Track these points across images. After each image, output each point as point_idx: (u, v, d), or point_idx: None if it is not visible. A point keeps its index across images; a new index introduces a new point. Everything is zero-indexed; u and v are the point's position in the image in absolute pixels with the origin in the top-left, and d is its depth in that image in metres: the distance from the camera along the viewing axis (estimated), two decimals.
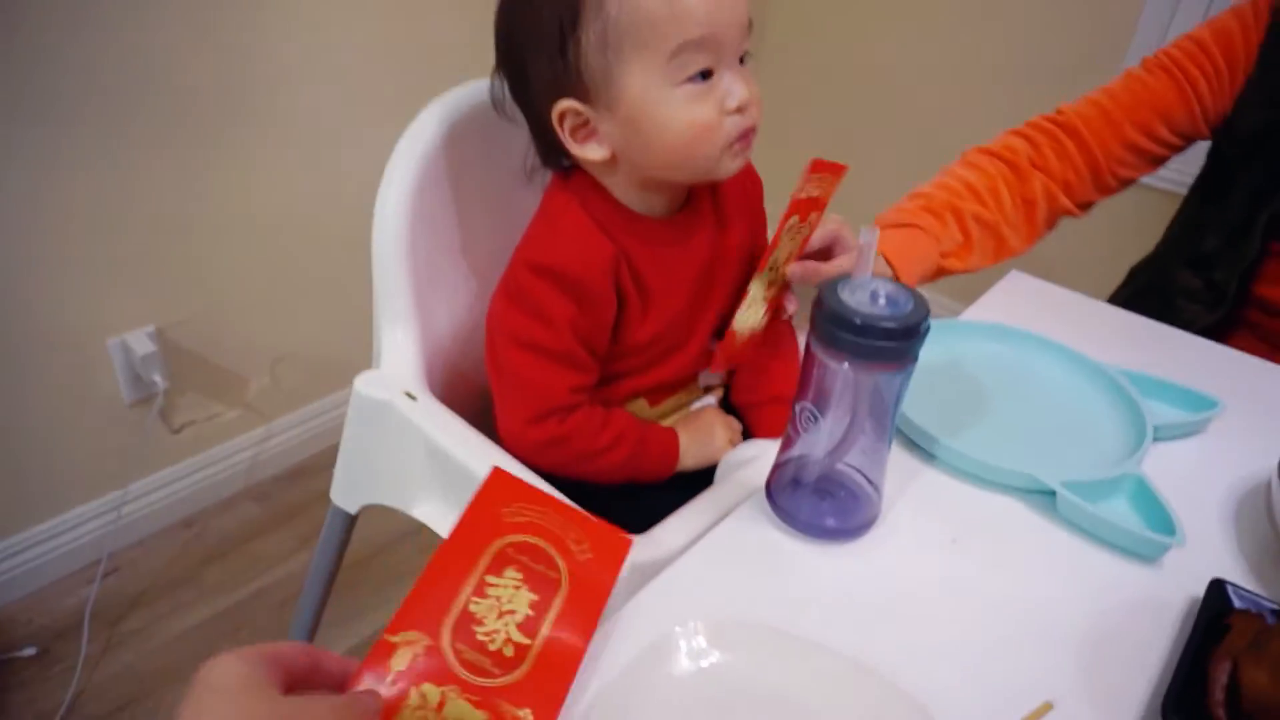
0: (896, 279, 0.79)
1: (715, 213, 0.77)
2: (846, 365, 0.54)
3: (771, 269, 0.71)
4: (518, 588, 0.48)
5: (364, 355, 1.74)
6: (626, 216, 0.72)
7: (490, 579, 0.48)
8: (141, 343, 1.40)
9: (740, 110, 0.66)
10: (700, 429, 0.79)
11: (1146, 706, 0.50)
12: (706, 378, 0.83)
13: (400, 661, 0.44)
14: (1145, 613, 0.56)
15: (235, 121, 1.39)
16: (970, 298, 0.90)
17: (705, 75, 0.64)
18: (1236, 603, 0.55)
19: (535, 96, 0.68)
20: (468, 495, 0.70)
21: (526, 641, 0.46)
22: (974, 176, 0.91)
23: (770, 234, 0.69)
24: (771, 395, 0.84)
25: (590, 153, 0.68)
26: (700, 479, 0.76)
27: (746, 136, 0.67)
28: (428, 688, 0.43)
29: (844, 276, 0.55)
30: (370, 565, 1.53)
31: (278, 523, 1.62)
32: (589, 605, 0.49)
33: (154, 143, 1.31)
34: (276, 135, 1.45)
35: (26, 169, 1.20)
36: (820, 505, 0.61)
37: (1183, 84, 0.91)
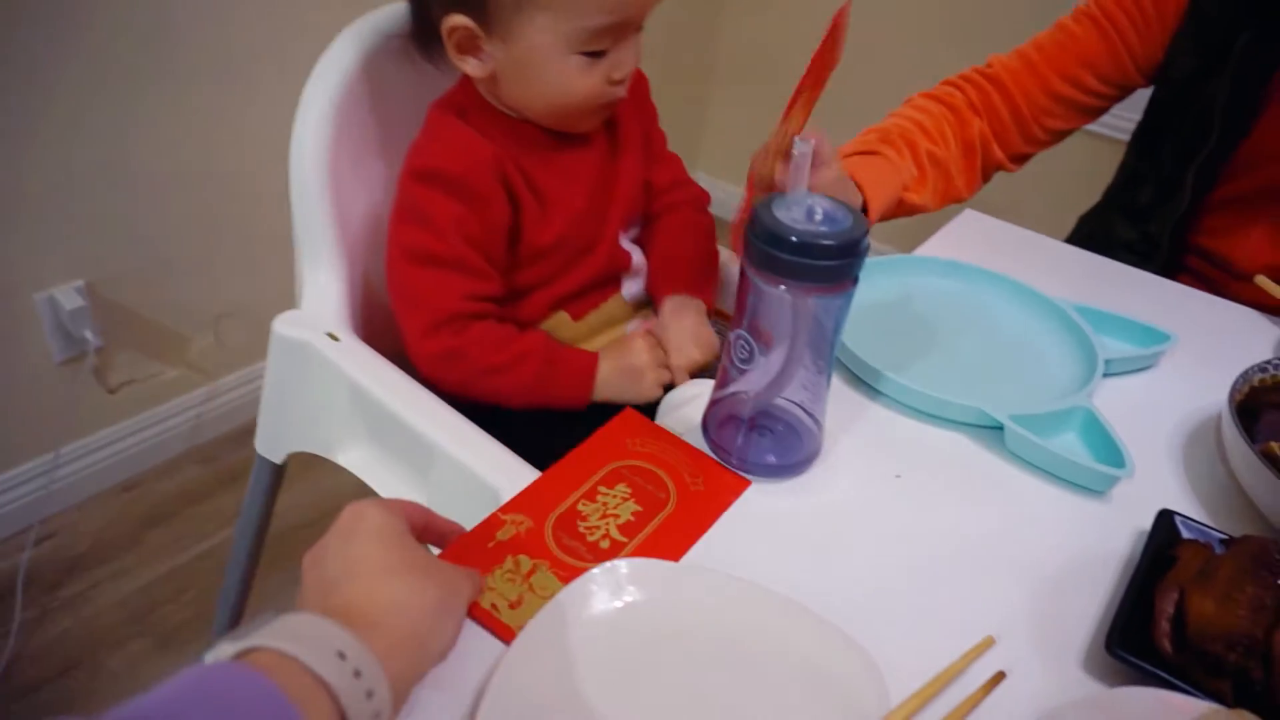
0: (867, 206, 0.77)
1: (607, 131, 0.78)
2: (783, 288, 0.50)
3: (783, 133, 0.65)
4: (625, 499, 0.53)
5: None
6: (509, 123, 0.72)
7: (602, 488, 0.54)
8: (70, 298, 1.33)
9: (619, 81, 0.69)
10: (623, 353, 0.75)
11: (1093, 640, 0.48)
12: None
13: (504, 534, 0.51)
14: (1093, 546, 0.54)
15: (165, 65, 1.31)
16: (922, 232, 0.87)
17: (599, 52, 0.67)
18: (1185, 533, 0.54)
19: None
20: (393, 438, 0.66)
21: (623, 540, 0.51)
22: (922, 117, 0.90)
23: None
24: (671, 264, 0.82)
25: (469, 68, 0.69)
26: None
27: (614, 104, 0.72)
28: (522, 558, 0.49)
29: (778, 195, 0.51)
30: (301, 535, 1.49)
31: (223, 484, 1.58)
32: (690, 527, 0.52)
33: (79, 89, 1.24)
34: (209, 80, 1.37)
35: None
36: (760, 441, 0.58)
37: (1109, 33, 0.89)
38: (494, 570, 0.48)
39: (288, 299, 1.61)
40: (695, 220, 0.85)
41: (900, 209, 0.85)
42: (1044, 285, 0.76)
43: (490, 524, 0.51)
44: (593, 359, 0.74)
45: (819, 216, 0.50)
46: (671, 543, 0.51)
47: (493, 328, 0.71)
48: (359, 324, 0.74)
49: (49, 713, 1.20)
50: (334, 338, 0.69)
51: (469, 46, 0.68)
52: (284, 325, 0.70)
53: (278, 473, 0.82)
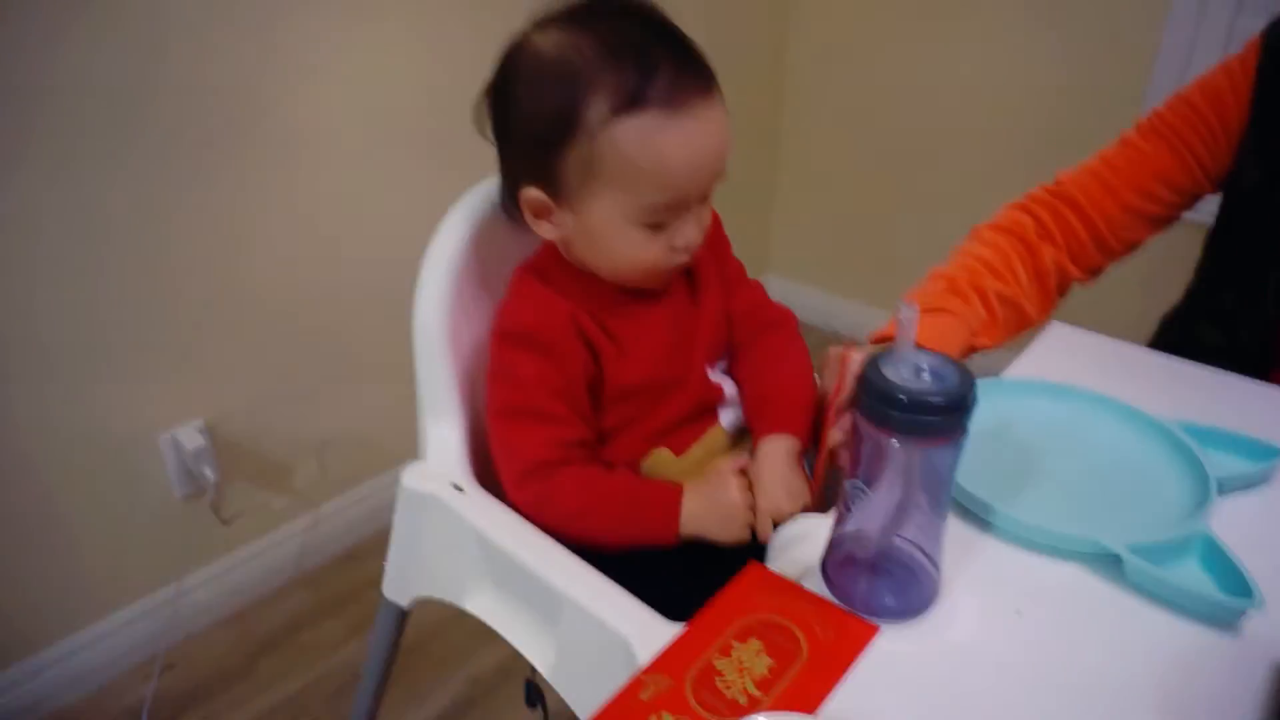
0: None
1: (685, 277, 0.82)
2: (895, 442, 0.53)
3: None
4: (759, 653, 0.55)
5: (409, 436, 1.76)
6: (585, 280, 0.77)
7: (735, 643, 0.56)
8: (192, 437, 1.43)
9: (684, 249, 0.74)
10: (714, 489, 0.75)
11: None
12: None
13: (646, 694, 0.53)
14: (1225, 682, 0.54)
15: (270, 205, 1.43)
16: (1006, 346, 0.89)
17: (663, 223, 0.72)
18: None
19: (510, 167, 0.76)
20: (520, 586, 0.70)
21: (759, 695, 0.52)
22: (989, 253, 0.92)
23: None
24: (762, 401, 0.83)
25: (544, 232, 0.75)
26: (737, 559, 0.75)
27: (678, 267, 0.76)
28: (665, 714, 0.52)
29: (886, 351, 0.54)
30: (423, 650, 1.52)
31: (328, 611, 1.63)
32: (824, 677, 0.54)
33: (192, 236, 1.35)
34: (318, 219, 1.49)
35: (76, 271, 1.24)
36: (878, 583, 0.60)
37: (1178, 146, 0.92)
38: None
39: (383, 424, 1.70)
40: (783, 348, 0.87)
41: (971, 353, 0.87)
42: (1143, 400, 0.76)
43: (634, 685, 0.53)
44: (677, 491, 0.75)
45: (926, 374, 0.53)
46: (807, 694, 0.52)
47: (579, 471, 0.74)
48: (480, 472, 0.78)
49: None
50: (459, 488, 0.74)
51: (543, 213, 0.74)
52: (411, 479, 0.75)
53: (404, 615, 0.85)
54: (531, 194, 0.73)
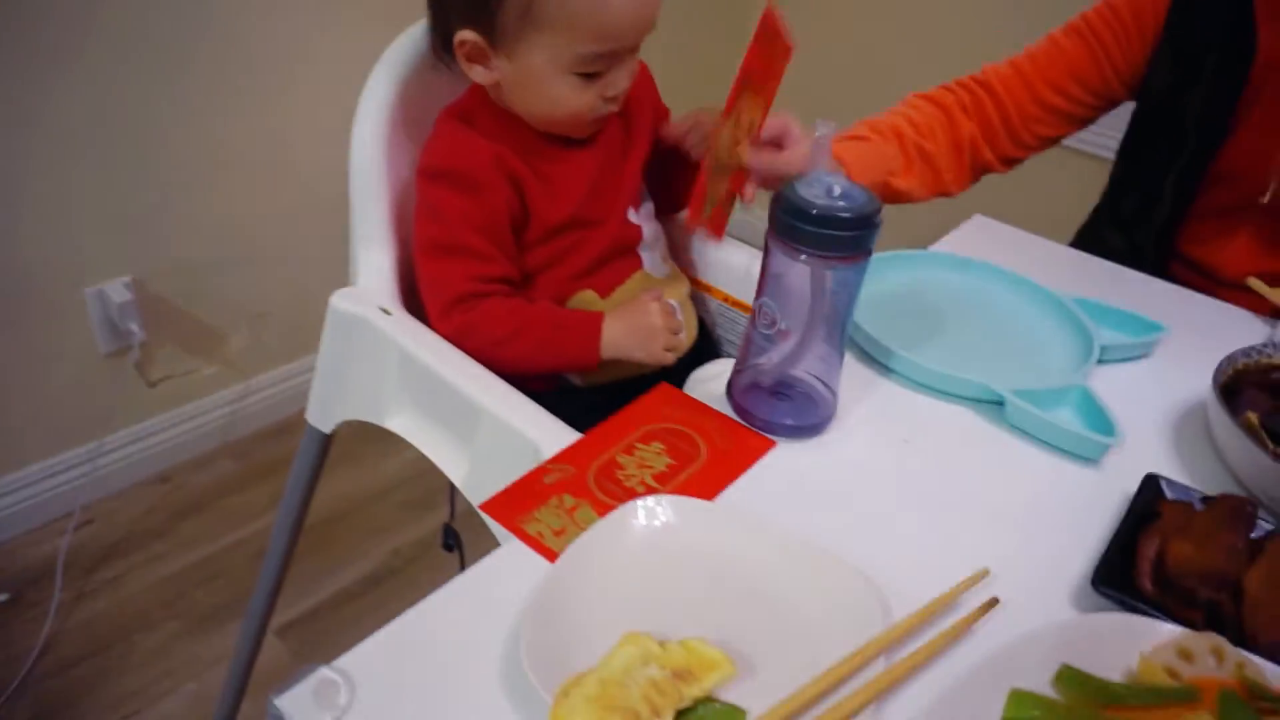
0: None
1: (620, 121, 0.83)
2: (804, 257, 0.56)
3: (735, 123, 0.72)
4: (660, 454, 0.59)
5: None
6: (513, 124, 0.78)
7: (639, 445, 0.60)
8: (119, 292, 1.41)
9: (613, 99, 0.75)
10: (634, 313, 0.77)
11: (1080, 580, 0.53)
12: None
13: (550, 479, 0.57)
14: (1084, 504, 0.59)
15: (217, 61, 1.39)
16: (931, 236, 0.93)
17: (597, 73, 0.73)
18: (1168, 494, 0.58)
19: (444, 9, 0.75)
20: (439, 404, 0.72)
21: (657, 487, 0.56)
22: (914, 114, 0.96)
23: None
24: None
25: (477, 76, 0.76)
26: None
27: (607, 117, 0.78)
28: (566, 496, 0.55)
29: (801, 176, 0.57)
30: (347, 521, 1.54)
31: (254, 479, 1.63)
32: (719, 478, 0.58)
33: (127, 87, 1.32)
34: (261, 76, 1.45)
35: (9, 115, 1.20)
36: (779, 406, 0.64)
37: (1094, 46, 0.95)
38: (541, 506, 0.54)
39: (322, 302, 1.68)
40: None
41: (886, 192, 0.91)
42: (1046, 281, 0.81)
43: (538, 471, 0.57)
44: (598, 317, 0.78)
45: (838, 193, 0.55)
46: (702, 489, 0.56)
47: (500, 303, 0.76)
48: (408, 302, 0.80)
49: (84, 689, 1.25)
50: (386, 312, 0.75)
51: (477, 57, 0.74)
52: (340, 300, 0.76)
53: (326, 443, 0.87)
54: (466, 36, 0.73)
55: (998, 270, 0.82)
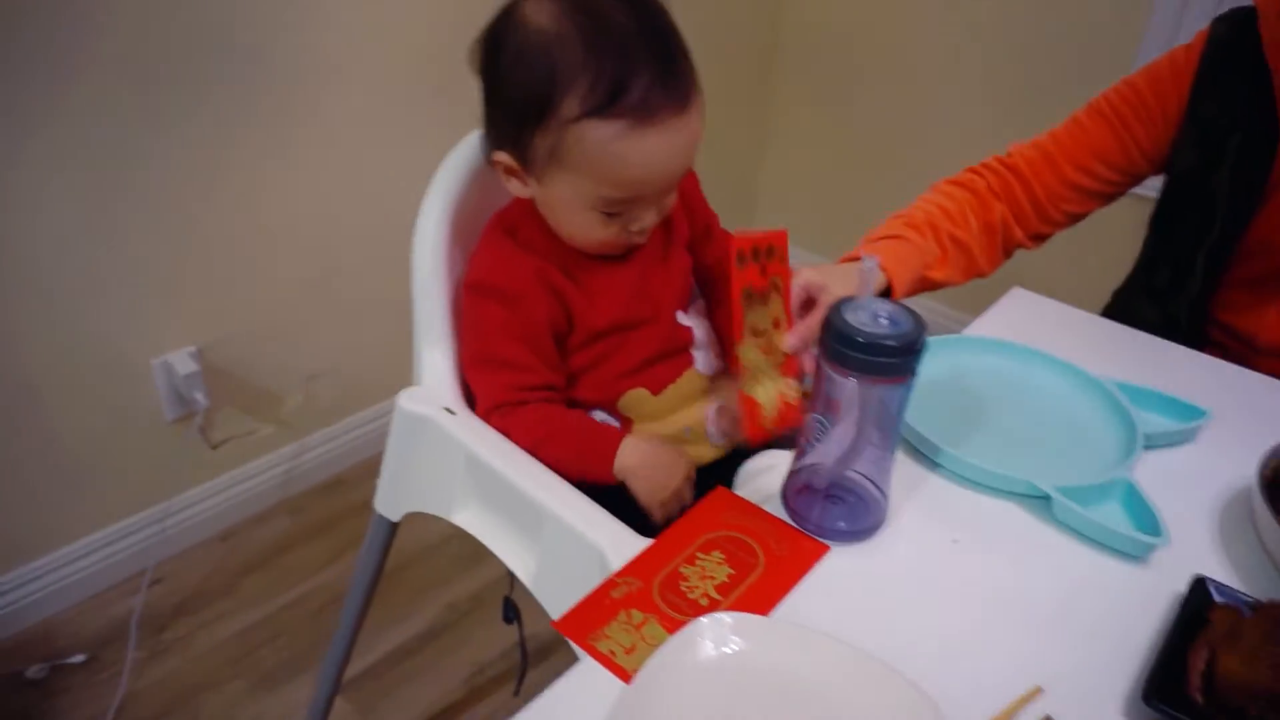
0: (890, 283, 0.86)
1: (659, 230, 0.85)
2: (853, 380, 0.59)
3: (755, 334, 0.73)
4: (721, 563, 0.62)
5: (394, 372, 1.81)
6: (556, 242, 0.81)
7: (700, 554, 0.63)
8: (184, 362, 1.47)
9: (640, 233, 0.77)
10: (661, 456, 0.78)
11: (1130, 692, 0.55)
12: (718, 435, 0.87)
13: (617, 593, 0.60)
14: (1132, 607, 0.61)
15: (276, 139, 1.45)
16: (971, 306, 0.95)
17: (620, 213, 0.75)
18: (1217, 597, 0.60)
19: (489, 120, 0.78)
20: (504, 501, 0.76)
21: (719, 598, 0.59)
22: (946, 202, 0.98)
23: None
24: None
25: (514, 189, 0.79)
26: (703, 489, 0.80)
27: (634, 245, 0.80)
28: (634, 611, 0.58)
29: (848, 300, 0.60)
30: (403, 575, 1.59)
31: (311, 535, 1.69)
32: (777, 586, 0.61)
33: (199, 166, 1.38)
34: (315, 154, 1.51)
35: (77, 197, 1.27)
36: (832, 509, 0.66)
37: (1117, 127, 0.97)
38: (610, 622, 0.57)
39: (370, 359, 1.74)
40: None
41: (924, 285, 0.94)
42: (1087, 361, 0.83)
43: (606, 585, 0.60)
44: (617, 438, 0.79)
45: (884, 320, 0.58)
46: (761, 600, 0.59)
47: (534, 410, 0.80)
48: (471, 400, 0.84)
49: None
50: (451, 412, 0.79)
51: (513, 174, 0.78)
52: (407, 401, 0.80)
53: (393, 530, 0.91)
54: (502, 158, 0.77)
55: (1039, 354, 0.84)
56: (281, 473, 1.72)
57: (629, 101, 0.68)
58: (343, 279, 1.65)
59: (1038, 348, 0.85)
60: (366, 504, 1.73)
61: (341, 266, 1.64)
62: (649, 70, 0.69)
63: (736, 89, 2.31)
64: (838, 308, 0.59)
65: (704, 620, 0.54)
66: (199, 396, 1.49)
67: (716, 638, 0.54)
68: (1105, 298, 1.15)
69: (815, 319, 0.75)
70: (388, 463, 0.86)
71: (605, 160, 0.70)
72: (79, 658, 1.42)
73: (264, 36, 1.37)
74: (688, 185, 0.87)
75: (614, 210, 0.75)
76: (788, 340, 0.74)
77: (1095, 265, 1.30)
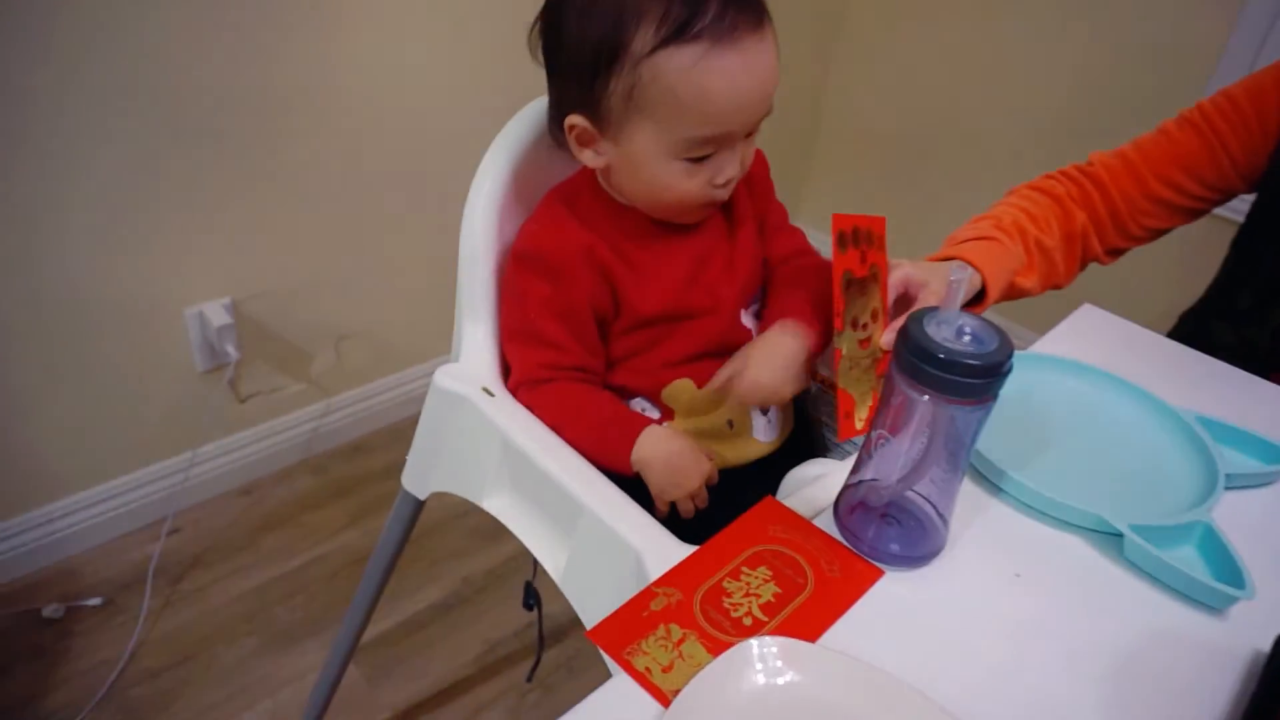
0: (985, 286, 0.83)
1: (722, 213, 0.82)
2: (927, 398, 0.55)
3: (853, 325, 0.71)
4: (767, 580, 0.58)
5: (424, 339, 1.79)
6: (616, 210, 0.78)
7: (745, 569, 0.59)
8: (218, 314, 1.45)
9: (723, 186, 0.73)
10: (689, 451, 0.74)
11: None
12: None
13: (656, 604, 0.56)
14: (1209, 663, 0.57)
15: (315, 92, 1.42)
16: (1034, 321, 0.90)
17: (703, 158, 0.71)
18: None
19: (557, 90, 0.75)
20: (538, 491, 0.72)
21: (764, 619, 0.55)
22: (1030, 206, 0.93)
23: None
24: (782, 303, 0.82)
25: (587, 159, 0.75)
26: (746, 488, 0.76)
27: (718, 201, 0.76)
28: (673, 626, 0.54)
29: (931, 309, 0.56)
30: (421, 544, 1.57)
31: (332, 496, 1.67)
32: (827, 611, 0.57)
33: (240, 127, 1.35)
34: (365, 112, 1.48)
35: (116, 146, 1.25)
36: (887, 530, 0.62)
37: (1210, 139, 0.92)
38: (648, 636, 0.53)
39: (402, 326, 1.72)
40: (817, 267, 0.85)
41: (1010, 291, 0.89)
42: (1162, 388, 0.78)
43: (645, 595, 0.56)
44: (638, 425, 0.74)
45: (967, 337, 0.54)
46: (809, 624, 0.55)
47: (560, 388, 0.76)
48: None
49: (166, 700, 1.30)
50: (489, 393, 0.76)
51: (587, 141, 0.74)
52: (444, 378, 0.77)
53: (419, 506, 0.88)
54: (576, 121, 0.73)
55: (1114, 379, 0.79)
56: (307, 431, 1.71)
57: (703, 22, 0.65)
58: (384, 241, 1.62)
59: (1109, 370, 0.80)
60: (389, 469, 1.73)
61: (384, 229, 1.61)
62: None
63: (789, 73, 2.24)
64: (918, 318, 0.55)
65: (752, 645, 0.51)
66: (230, 349, 1.48)
67: (765, 665, 0.50)
68: (1166, 316, 1.10)
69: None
70: (419, 439, 0.83)
71: (687, 90, 0.66)
72: (96, 600, 1.42)
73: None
74: (757, 168, 0.83)
75: (699, 154, 0.71)
76: (885, 337, 0.71)
77: (1159, 284, 1.24)
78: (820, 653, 0.52)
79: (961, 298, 0.54)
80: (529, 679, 1.33)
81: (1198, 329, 1.03)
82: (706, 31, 0.65)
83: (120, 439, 1.46)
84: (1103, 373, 0.80)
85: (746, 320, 0.83)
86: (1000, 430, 0.71)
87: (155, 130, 1.27)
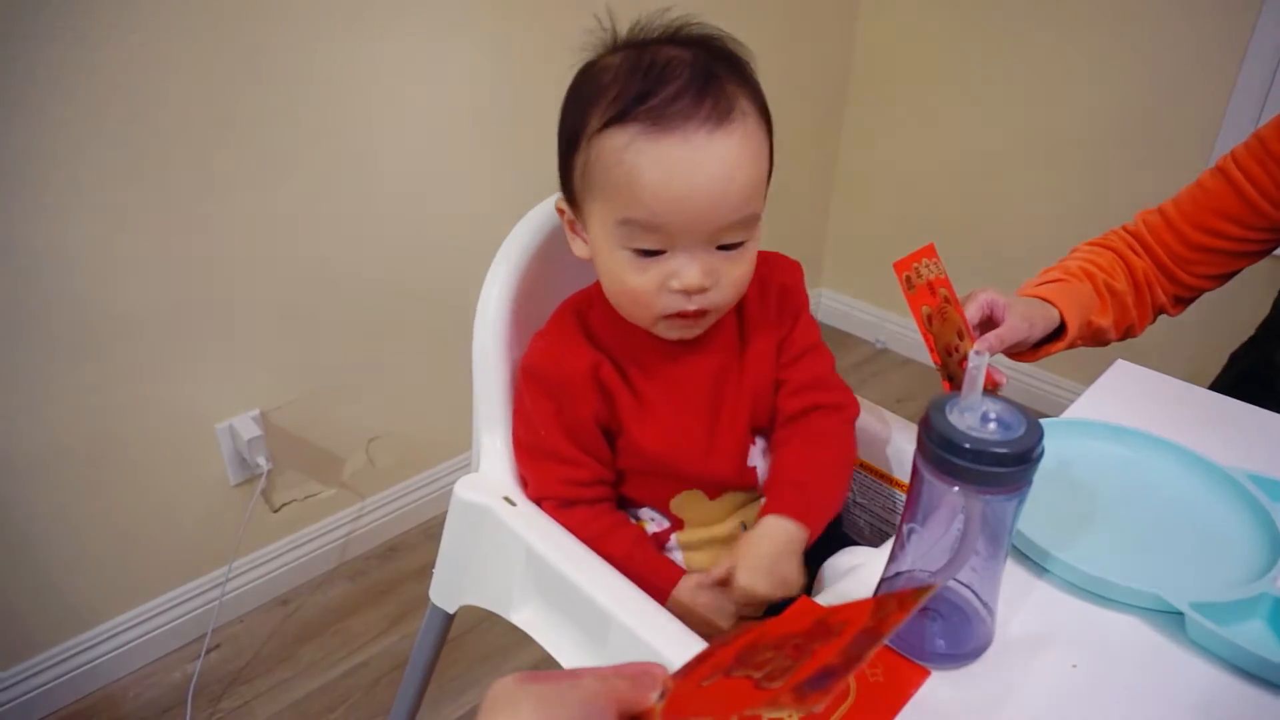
0: (1063, 319, 0.87)
1: (737, 325, 0.78)
2: (957, 489, 0.52)
3: (947, 353, 0.78)
4: None
5: (454, 435, 1.78)
6: (625, 327, 0.74)
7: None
8: (248, 426, 1.46)
9: (685, 292, 0.67)
10: (710, 604, 0.72)
11: None
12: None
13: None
14: None
15: (334, 204, 1.45)
16: (1073, 374, 0.88)
17: (652, 253, 0.66)
18: None
19: (561, 176, 0.74)
20: (567, 602, 0.70)
21: None
22: (1095, 256, 0.96)
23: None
24: (784, 479, 0.76)
25: (577, 250, 0.74)
26: None
27: (687, 316, 0.68)
28: None
29: (952, 396, 0.54)
30: (461, 644, 1.54)
31: (370, 601, 1.66)
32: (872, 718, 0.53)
33: (257, 231, 1.38)
34: (376, 215, 1.51)
35: (145, 263, 1.28)
36: (929, 626, 0.59)
37: (1243, 184, 0.92)
38: None
39: (430, 422, 1.72)
40: (832, 435, 0.78)
41: (1090, 331, 0.91)
42: (1209, 446, 0.74)
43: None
44: (671, 579, 0.72)
45: (993, 423, 0.52)
46: None
47: (584, 514, 0.74)
48: None
49: None
50: (511, 502, 0.75)
51: (573, 228, 0.74)
52: (465, 490, 0.76)
53: (449, 621, 0.87)
54: (561, 205, 0.74)
55: (1157, 440, 0.76)
56: (341, 535, 1.70)
57: (646, 106, 0.63)
58: (405, 340, 1.64)
59: (1151, 431, 0.77)
60: (425, 569, 1.71)
61: (404, 327, 1.63)
62: (681, 83, 0.63)
63: (802, 131, 2.26)
64: (939, 405, 0.53)
65: None
66: (261, 460, 1.48)
67: None
68: (1201, 366, 1.07)
69: (1006, 329, 0.81)
70: (444, 551, 0.82)
71: (619, 172, 0.64)
72: None
73: (333, 105, 1.38)
74: (788, 278, 0.80)
75: (642, 245, 0.66)
76: (979, 345, 0.76)
77: (1195, 334, 1.21)
78: None
79: (980, 383, 0.53)
80: None
81: (1256, 364, 1.02)
82: (645, 114, 0.63)
83: (157, 558, 1.46)
84: (1144, 435, 0.77)
85: (755, 459, 0.79)
86: (1041, 505, 0.68)
87: (173, 245, 1.30)
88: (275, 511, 1.59)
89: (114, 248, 1.24)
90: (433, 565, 0.85)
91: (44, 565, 1.34)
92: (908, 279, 0.73)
